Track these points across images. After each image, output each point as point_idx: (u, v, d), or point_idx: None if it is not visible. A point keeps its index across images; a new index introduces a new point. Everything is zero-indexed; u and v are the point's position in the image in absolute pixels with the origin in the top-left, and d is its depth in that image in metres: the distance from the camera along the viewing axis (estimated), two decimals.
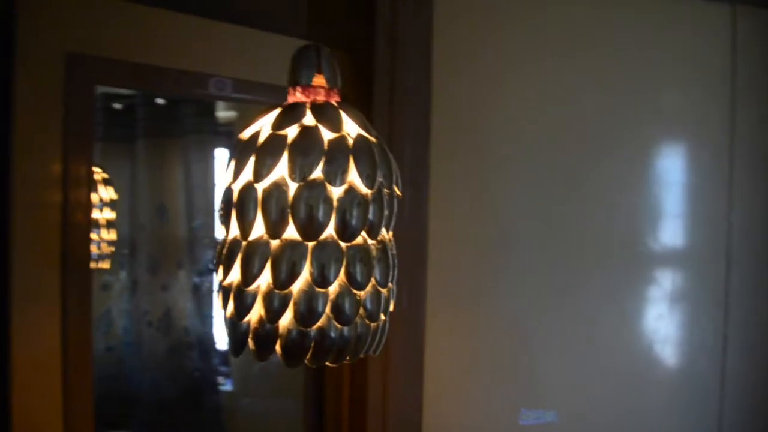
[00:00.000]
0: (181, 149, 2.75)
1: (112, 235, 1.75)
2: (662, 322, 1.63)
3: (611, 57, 1.60)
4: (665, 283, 1.64)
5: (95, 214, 1.61)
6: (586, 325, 1.57)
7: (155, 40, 1.23)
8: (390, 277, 0.75)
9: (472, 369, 1.49)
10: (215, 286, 0.81)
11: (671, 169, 1.65)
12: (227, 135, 2.86)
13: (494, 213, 1.52)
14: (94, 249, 1.64)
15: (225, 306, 0.73)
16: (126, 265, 2.50)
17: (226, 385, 2.83)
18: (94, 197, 1.58)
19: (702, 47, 1.66)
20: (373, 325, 0.73)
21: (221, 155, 2.88)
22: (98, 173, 1.64)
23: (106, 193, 1.67)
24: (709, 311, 1.64)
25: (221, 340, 2.89)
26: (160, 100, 2.65)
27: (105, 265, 1.79)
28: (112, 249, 1.80)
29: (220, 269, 0.74)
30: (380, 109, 1.43)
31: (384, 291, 0.74)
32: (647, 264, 1.63)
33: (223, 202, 0.74)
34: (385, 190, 0.74)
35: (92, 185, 1.17)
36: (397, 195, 0.77)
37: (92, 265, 1.74)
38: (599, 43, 1.59)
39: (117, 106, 2.52)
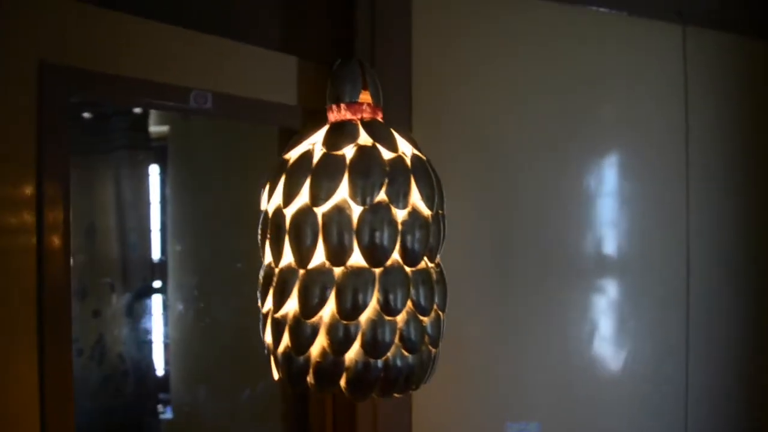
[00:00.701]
0: (111, 165, 2.60)
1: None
2: (629, 329, 1.68)
3: (575, 73, 1.64)
4: (630, 289, 1.70)
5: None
6: (559, 336, 1.60)
7: (133, 49, 1.14)
8: (446, 301, 0.72)
9: (457, 388, 1.48)
10: (259, 316, 0.73)
11: (631, 179, 1.71)
12: (161, 150, 2.74)
13: (463, 226, 1.52)
14: None
15: (277, 340, 0.68)
16: None
17: (167, 413, 2.69)
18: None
19: (656, 64, 1.73)
20: (434, 350, 0.70)
21: (155, 171, 2.75)
22: None
23: None
24: (672, 315, 1.70)
25: (159, 365, 2.75)
26: (87, 114, 2.51)
27: None
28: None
29: (268, 300, 0.68)
30: None
31: (442, 315, 0.71)
32: (611, 273, 1.67)
33: (269, 227, 0.69)
34: (439, 212, 0.71)
35: (69, 206, 1.07)
36: (445, 216, 0.74)
37: None
38: (561, 60, 1.63)
39: None
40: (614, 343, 1.65)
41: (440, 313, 0.70)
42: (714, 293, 1.73)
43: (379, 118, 0.73)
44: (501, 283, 1.55)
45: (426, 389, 1.41)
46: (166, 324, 2.78)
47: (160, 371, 2.76)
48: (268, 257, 0.70)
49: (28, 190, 1.03)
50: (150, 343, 2.62)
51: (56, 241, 1.04)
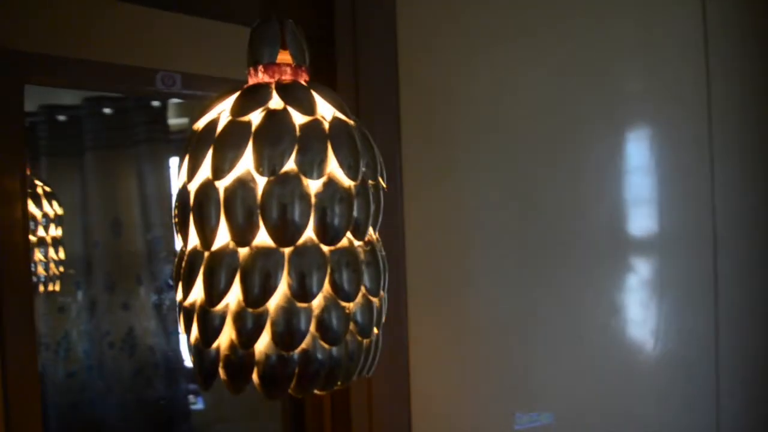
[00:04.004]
0: (132, 160, 2.60)
1: (60, 255, 1.59)
2: (652, 312, 1.55)
3: (582, 39, 1.51)
4: (652, 271, 1.57)
5: (41, 232, 1.46)
6: (575, 321, 1.49)
7: (92, 31, 1.09)
8: (381, 284, 0.63)
9: (461, 377, 1.39)
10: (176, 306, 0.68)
11: (651, 154, 1.58)
12: (180, 142, 2.72)
13: (472, 206, 1.42)
14: (41, 271, 1.49)
15: (188, 330, 0.61)
16: (83, 284, 2.35)
17: (198, 404, 2.70)
18: (38, 213, 1.43)
19: (673, 27, 1.59)
20: (365, 341, 0.62)
21: (175, 163, 2.74)
22: (40, 187, 1.49)
23: (51, 208, 1.51)
24: (698, 297, 1.57)
25: (188, 357, 2.75)
26: (107, 110, 2.51)
27: (55, 287, 1.63)
28: (62, 269, 1.64)
29: (179, 287, 0.62)
30: (344, 97, 1.31)
31: (375, 300, 0.63)
32: (632, 253, 1.55)
33: (177, 206, 0.62)
34: (370, 182, 0.63)
35: (26, 200, 1.03)
36: (383, 187, 0.66)
37: (41, 288, 1.59)
38: (568, 24, 1.51)
39: (62, 118, 2.37)
40: (635, 329, 1.53)
41: (371, 298, 0.62)
42: (743, 271, 1.58)
43: (303, 79, 0.65)
44: (514, 266, 1.45)
45: (427, 377, 1.34)
46: None
47: (189, 363, 2.76)
48: (180, 241, 0.63)
49: None
50: (178, 335, 2.63)
51: (13, 235, 1.00)
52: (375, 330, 0.63)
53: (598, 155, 1.53)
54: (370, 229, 0.64)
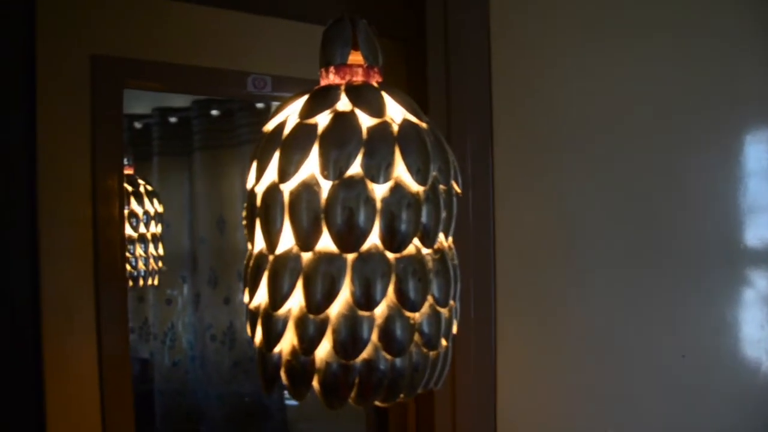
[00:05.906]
0: (237, 159, 2.69)
1: (160, 251, 1.67)
2: (767, 331, 1.41)
3: (693, 37, 1.40)
4: None
5: (141, 228, 1.54)
6: (678, 337, 1.38)
7: (186, 37, 1.13)
8: (451, 294, 0.60)
9: (552, 390, 1.32)
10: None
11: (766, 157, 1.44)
12: None
13: (568, 213, 1.35)
14: (141, 266, 1.57)
15: (253, 333, 0.61)
16: (188, 278, 2.46)
17: (291, 400, 2.75)
18: (139, 211, 1.51)
19: None
20: (431, 353, 0.59)
21: None
22: (143, 186, 1.57)
23: (153, 206, 1.59)
24: None
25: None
26: (214, 111, 2.61)
27: (154, 281, 1.71)
28: (161, 264, 1.72)
29: (246, 289, 0.62)
30: (436, 100, 1.29)
31: (444, 311, 0.60)
32: (745, 264, 1.42)
33: (246, 208, 0.62)
34: (441, 187, 0.60)
35: (124, 197, 1.08)
36: (457, 192, 0.63)
37: (140, 282, 1.68)
38: (678, 18, 1.40)
39: (172, 119, 2.49)
40: (748, 347, 1.40)
41: (439, 308, 0.59)
42: None
43: (375, 80, 0.63)
44: (612, 277, 1.36)
45: (514, 388, 1.28)
46: None
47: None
48: (249, 242, 0.63)
49: (83, 183, 1.05)
50: None
51: (110, 231, 1.05)
52: (443, 342, 0.61)
53: (708, 159, 1.41)
54: (441, 237, 0.61)
